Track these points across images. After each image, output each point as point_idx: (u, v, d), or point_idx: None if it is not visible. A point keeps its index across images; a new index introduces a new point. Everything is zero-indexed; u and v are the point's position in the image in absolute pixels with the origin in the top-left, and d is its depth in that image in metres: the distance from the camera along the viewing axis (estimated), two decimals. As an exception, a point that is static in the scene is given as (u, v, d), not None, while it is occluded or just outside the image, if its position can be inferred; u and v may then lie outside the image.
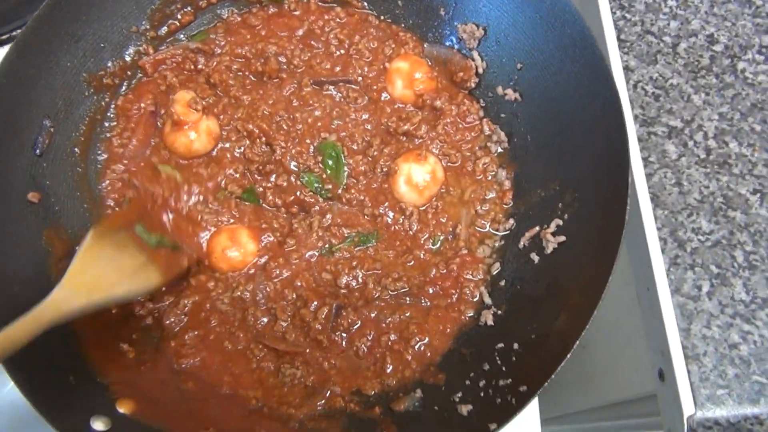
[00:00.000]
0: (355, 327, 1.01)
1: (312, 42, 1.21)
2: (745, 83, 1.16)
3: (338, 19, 1.23)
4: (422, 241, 1.08)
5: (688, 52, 1.18)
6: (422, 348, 1.00)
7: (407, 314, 1.03)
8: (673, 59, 1.18)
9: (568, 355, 0.82)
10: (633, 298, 1.11)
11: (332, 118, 1.15)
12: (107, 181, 1.13)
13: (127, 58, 1.17)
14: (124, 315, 1.03)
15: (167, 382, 0.98)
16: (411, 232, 1.08)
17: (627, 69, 1.17)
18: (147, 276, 0.98)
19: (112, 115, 1.16)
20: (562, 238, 0.99)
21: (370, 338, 1.00)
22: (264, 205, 1.09)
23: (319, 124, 1.15)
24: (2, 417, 1.04)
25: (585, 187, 0.99)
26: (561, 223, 1.01)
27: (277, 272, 1.04)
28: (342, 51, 1.21)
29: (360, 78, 1.18)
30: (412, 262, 1.07)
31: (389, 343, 1.01)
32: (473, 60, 1.17)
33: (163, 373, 0.99)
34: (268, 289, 1.04)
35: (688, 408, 0.97)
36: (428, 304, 1.04)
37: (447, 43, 1.20)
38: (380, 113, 1.16)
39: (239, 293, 1.04)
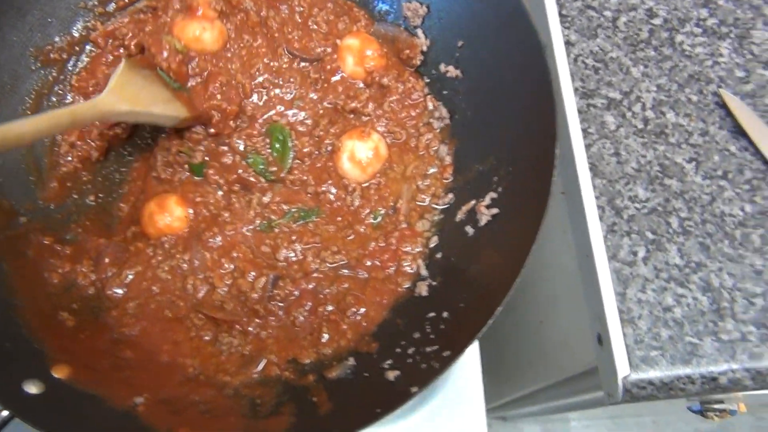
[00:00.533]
0: (293, 297, 1.02)
1: (278, 4, 1.20)
2: (682, 55, 1.17)
3: None
4: (363, 216, 1.09)
5: (628, 25, 1.20)
6: (358, 318, 1.01)
7: (345, 286, 1.03)
8: (613, 33, 1.19)
9: (489, 322, 0.82)
10: (576, 267, 1.12)
11: (293, 98, 1.16)
12: (61, 157, 1.13)
13: (75, 34, 1.17)
14: (65, 285, 1.03)
15: (105, 350, 0.98)
16: (353, 208, 1.09)
17: (568, 43, 1.19)
18: (176, 107, 1.07)
19: (60, 91, 1.15)
20: (495, 211, 1.00)
21: (307, 309, 1.01)
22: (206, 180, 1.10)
23: (277, 103, 1.15)
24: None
25: (518, 160, 0.99)
26: (495, 196, 1.01)
27: (212, 242, 1.04)
28: (301, 20, 1.20)
29: (319, 55, 1.18)
30: (352, 237, 1.08)
31: (326, 313, 1.01)
32: (418, 38, 1.17)
33: (101, 341, 0.99)
34: (206, 257, 1.04)
35: (623, 370, 0.99)
36: (366, 276, 1.04)
37: (392, 21, 1.20)
38: (331, 92, 1.17)
39: (176, 262, 1.04)
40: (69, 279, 1.04)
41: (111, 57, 1.19)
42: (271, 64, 1.16)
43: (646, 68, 1.17)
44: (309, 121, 1.14)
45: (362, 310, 1.01)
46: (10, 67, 1.09)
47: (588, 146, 1.11)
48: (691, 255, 1.04)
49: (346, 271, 1.05)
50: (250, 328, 1.00)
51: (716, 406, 1.28)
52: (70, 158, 1.13)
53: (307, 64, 1.17)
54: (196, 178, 1.11)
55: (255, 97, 1.15)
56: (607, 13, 1.21)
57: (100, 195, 1.14)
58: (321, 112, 1.16)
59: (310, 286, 1.02)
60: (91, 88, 1.17)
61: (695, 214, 1.07)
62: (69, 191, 1.12)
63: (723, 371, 0.99)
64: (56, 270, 1.04)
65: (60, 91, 1.16)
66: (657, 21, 1.20)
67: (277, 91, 1.15)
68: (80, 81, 1.17)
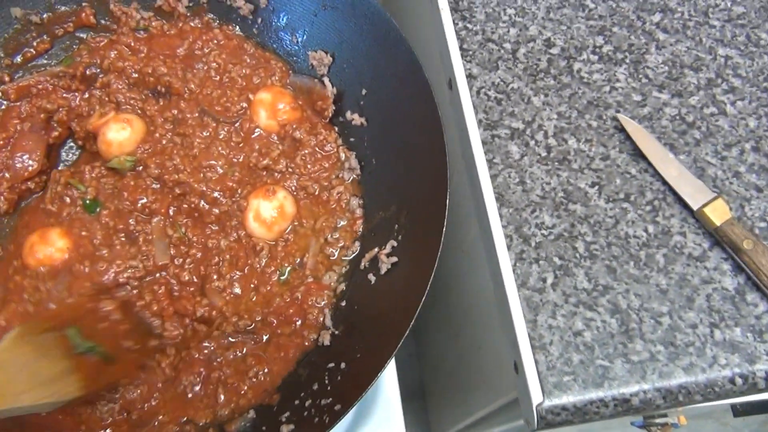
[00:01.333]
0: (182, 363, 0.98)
1: (194, 63, 1.18)
2: (581, 82, 1.19)
3: (217, 41, 1.21)
4: (268, 275, 1.06)
5: (527, 56, 1.21)
6: (261, 377, 0.97)
7: (244, 351, 1.00)
8: (513, 64, 1.21)
9: (380, 374, 0.81)
10: (492, 297, 1.11)
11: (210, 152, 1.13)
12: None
13: (-24, 83, 1.14)
14: None
15: None
16: (258, 269, 1.06)
17: (470, 76, 1.19)
18: (65, 385, 0.85)
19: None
20: (395, 259, 0.99)
21: (200, 377, 0.97)
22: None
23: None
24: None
25: (415, 208, 1.00)
26: (395, 244, 1.01)
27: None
28: (218, 77, 1.19)
29: (234, 114, 1.16)
30: (255, 297, 1.04)
31: (222, 377, 0.97)
32: (325, 86, 1.17)
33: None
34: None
35: (536, 397, 0.97)
36: (267, 336, 1.01)
37: (300, 69, 1.19)
38: (248, 149, 1.14)
39: (41, 295, 1.00)
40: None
41: (25, 109, 1.16)
42: (204, 133, 1.13)
43: (547, 97, 1.18)
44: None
45: (264, 369, 0.98)
46: None
47: (494, 176, 1.11)
48: (598, 278, 1.04)
49: (244, 336, 1.01)
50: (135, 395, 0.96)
51: (658, 421, 1.28)
52: None
53: (228, 125, 1.14)
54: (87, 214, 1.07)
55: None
56: (507, 45, 1.23)
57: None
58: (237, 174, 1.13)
59: (203, 354, 0.98)
60: (1, 141, 1.13)
61: (600, 237, 1.07)
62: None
63: (635, 392, 0.98)
64: None
65: (-40, 151, 1.12)
66: (555, 50, 1.22)
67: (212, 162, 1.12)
68: None
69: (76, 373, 0.85)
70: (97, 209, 1.07)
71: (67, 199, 1.07)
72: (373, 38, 1.06)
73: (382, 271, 0.98)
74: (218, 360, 0.98)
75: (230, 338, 1.00)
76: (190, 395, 0.97)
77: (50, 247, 1.04)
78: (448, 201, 0.88)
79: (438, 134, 0.92)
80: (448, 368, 1.79)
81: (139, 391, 0.96)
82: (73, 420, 0.95)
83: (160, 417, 0.96)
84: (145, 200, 1.06)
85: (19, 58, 1.17)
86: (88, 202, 1.07)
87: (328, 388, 0.89)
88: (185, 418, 0.95)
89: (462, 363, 1.68)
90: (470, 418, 1.70)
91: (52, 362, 0.84)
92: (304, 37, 1.16)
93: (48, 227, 1.07)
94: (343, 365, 0.91)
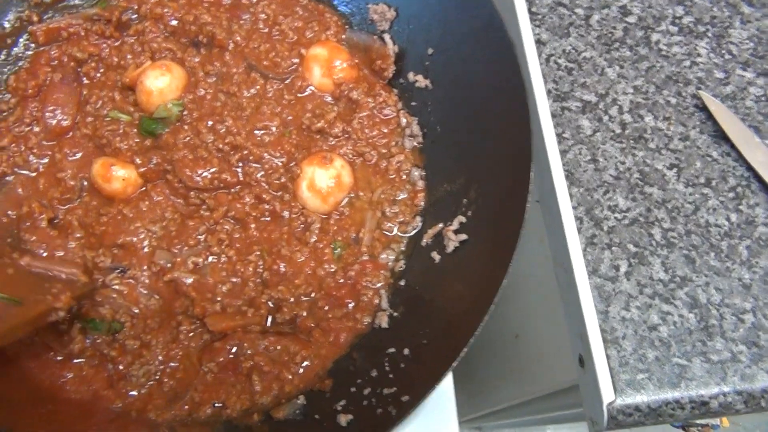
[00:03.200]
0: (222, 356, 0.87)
1: (240, 13, 1.05)
2: (659, 55, 1.06)
3: None
4: (321, 251, 0.94)
5: (601, 23, 1.08)
6: (307, 362, 0.86)
7: (278, 342, 0.88)
8: (586, 31, 1.08)
9: (453, 365, 0.71)
10: (554, 281, 0.99)
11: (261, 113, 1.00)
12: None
13: (7, 25, 1.02)
14: None
15: (24, 380, 0.82)
16: (309, 245, 0.93)
17: (539, 42, 1.07)
18: None
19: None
20: (464, 237, 0.87)
21: (218, 365, 0.86)
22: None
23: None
24: None
25: (488, 182, 0.87)
26: (464, 220, 0.89)
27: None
28: (267, 29, 1.05)
29: (284, 70, 1.03)
30: (301, 279, 0.92)
31: (256, 366, 0.86)
32: (385, 43, 1.03)
33: (17, 369, 0.83)
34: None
35: (607, 395, 0.86)
36: (314, 325, 0.89)
37: (357, 25, 1.06)
38: (300, 108, 1.01)
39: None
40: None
41: (55, 55, 1.03)
42: (251, 91, 1.00)
43: (622, 69, 1.05)
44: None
45: (309, 357, 0.86)
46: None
47: (563, 152, 0.99)
48: (675, 269, 0.93)
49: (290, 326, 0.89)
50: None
51: (698, 421, 1.17)
52: None
53: (278, 83, 1.01)
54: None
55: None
56: (579, 11, 1.09)
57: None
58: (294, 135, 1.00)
59: (230, 343, 0.86)
60: (30, 90, 1.01)
61: (679, 224, 0.95)
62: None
63: (714, 395, 0.87)
64: None
65: (-7, 93, 0.99)
66: (631, 19, 1.09)
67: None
68: (18, 81, 1.01)
69: None
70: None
71: None
72: (447, -9, 0.92)
73: (449, 249, 0.86)
74: (248, 350, 0.86)
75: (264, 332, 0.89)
76: (209, 379, 0.86)
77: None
78: (532, 175, 0.75)
79: (521, 101, 0.79)
80: (475, 353, 1.68)
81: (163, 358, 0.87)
82: (114, 392, 0.84)
83: (193, 393, 0.85)
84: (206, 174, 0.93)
85: (48, -5, 1.04)
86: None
87: (390, 375, 0.78)
88: (217, 401, 0.84)
89: (494, 349, 1.56)
90: (498, 405, 1.60)
91: None
92: (365, -13, 1.02)
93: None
94: (406, 351, 0.79)
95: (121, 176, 0.93)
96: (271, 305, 0.88)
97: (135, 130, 0.98)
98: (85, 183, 0.96)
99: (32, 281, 0.85)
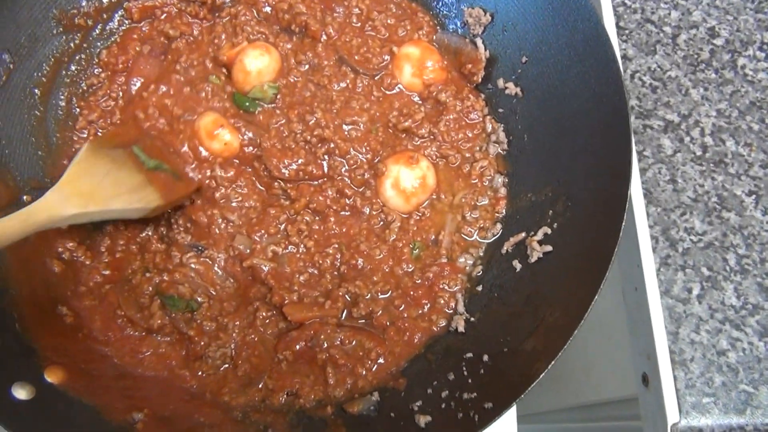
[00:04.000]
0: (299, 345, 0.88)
1: (334, 5, 1.05)
2: (744, 80, 1.05)
3: None
4: (400, 249, 0.94)
5: (688, 44, 1.07)
6: (381, 360, 0.87)
7: (353, 336, 0.89)
8: (673, 50, 1.06)
9: (541, 376, 0.70)
10: (618, 297, 0.99)
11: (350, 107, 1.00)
12: (75, 133, 0.99)
13: (104, 0, 1.02)
14: (68, 274, 0.88)
15: (104, 354, 0.84)
16: (388, 243, 0.93)
17: (625, 58, 1.06)
18: (146, 195, 0.87)
19: (83, 62, 1.01)
20: (549, 248, 0.86)
21: (294, 354, 0.87)
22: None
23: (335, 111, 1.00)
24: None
25: (580, 197, 0.86)
26: (549, 232, 0.88)
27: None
28: (359, 24, 1.05)
29: (375, 66, 1.03)
30: (378, 276, 0.93)
31: (331, 358, 0.87)
32: (477, 47, 1.02)
33: (101, 344, 0.84)
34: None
35: (672, 415, 0.86)
36: (389, 323, 0.90)
37: (450, 27, 1.05)
38: (387, 106, 1.01)
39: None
40: (73, 267, 0.89)
41: (146, 31, 1.05)
42: (341, 84, 1.00)
43: (706, 91, 1.04)
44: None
45: (383, 355, 0.87)
46: (29, 28, 0.94)
47: (643, 170, 0.98)
48: (748, 296, 0.92)
49: (362, 321, 0.90)
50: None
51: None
52: (85, 135, 0.97)
53: (368, 78, 1.01)
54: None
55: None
56: (667, 29, 1.08)
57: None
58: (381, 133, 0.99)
59: (306, 334, 0.87)
60: (120, 65, 1.02)
61: (754, 251, 0.94)
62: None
63: (778, 424, 0.86)
64: (59, 257, 0.89)
65: (82, 61, 1.00)
66: (719, 41, 1.08)
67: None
68: (110, 56, 1.03)
69: (152, 184, 0.88)
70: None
71: None
72: (548, 0, 0.91)
73: (532, 260, 0.85)
74: (324, 343, 0.87)
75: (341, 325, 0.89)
76: (284, 367, 0.87)
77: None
78: (629, 196, 0.75)
79: (623, 118, 0.79)
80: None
81: (238, 342, 0.88)
82: (186, 373, 0.85)
83: (266, 379, 0.86)
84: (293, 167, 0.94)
85: (147, -26, 1.04)
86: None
87: (469, 380, 0.78)
88: (291, 390, 0.85)
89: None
90: (528, 411, 1.60)
91: (130, 173, 0.87)
92: (462, -10, 1.01)
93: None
94: (485, 358, 0.79)
95: (224, 139, 0.94)
96: (348, 299, 0.89)
97: (226, 96, 0.98)
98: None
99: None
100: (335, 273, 0.91)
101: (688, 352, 0.89)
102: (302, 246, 0.92)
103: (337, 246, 0.92)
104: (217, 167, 0.94)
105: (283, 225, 0.93)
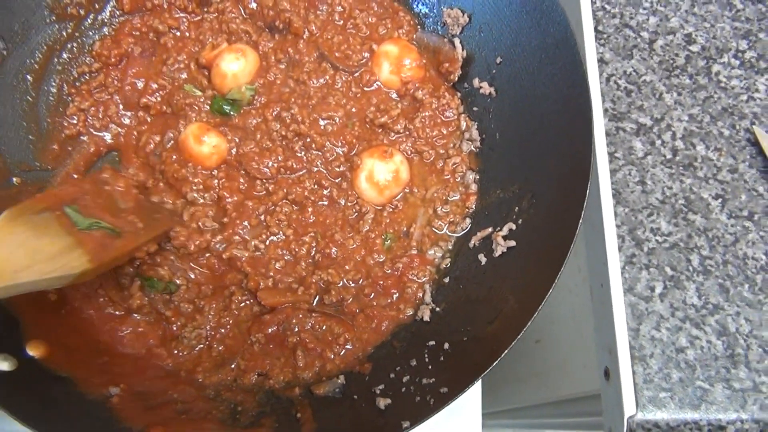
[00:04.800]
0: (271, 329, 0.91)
1: (317, 3, 1.08)
2: (718, 86, 1.07)
3: None
4: (372, 240, 0.97)
5: (665, 49, 1.09)
6: (349, 345, 0.90)
7: (324, 321, 0.92)
8: (649, 55, 1.09)
9: (494, 364, 0.74)
10: (587, 294, 1.02)
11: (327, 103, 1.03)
12: (65, 119, 1.02)
13: (97, -11, 1.06)
14: None
15: (85, 331, 0.87)
16: (362, 233, 0.97)
17: (601, 61, 1.08)
18: (69, 261, 0.82)
19: (74, 50, 1.04)
20: (512, 243, 0.90)
21: (266, 337, 0.90)
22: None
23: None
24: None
25: (543, 194, 0.90)
26: (514, 227, 0.91)
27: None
28: (341, 21, 1.08)
29: (355, 63, 1.06)
30: (351, 265, 0.96)
31: (301, 341, 0.90)
32: (455, 47, 1.05)
33: (82, 320, 0.88)
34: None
35: (629, 408, 0.89)
36: (358, 310, 0.93)
37: (430, 26, 1.08)
38: (365, 101, 1.05)
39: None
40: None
41: (138, 24, 1.08)
42: (320, 80, 1.03)
43: (680, 96, 1.06)
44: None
45: (351, 341, 0.90)
46: (23, 15, 0.97)
47: (613, 171, 1.01)
48: (709, 296, 0.94)
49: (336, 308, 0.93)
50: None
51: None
52: (75, 121, 1.01)
53: (347, 75, 1.04)
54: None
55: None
56: (644, 34, 1.10)
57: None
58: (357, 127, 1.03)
59: (278, 318, 0.90)
60: (113, 59, 1.06)
61: (717, 253, 0.97)
62: (69, 155, 1.00)
63: (731, 420, 0.89)
64: None
65: (74, 50, 1.04)
66: (695, 48, 1.10)
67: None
68: (103, 48, 1.06)
69: (81, 247, 0.83)
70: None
71: None
72: (522, 3, 0.94)
73: (496, 254, 0.88)
74: (295, 327, 0.90)
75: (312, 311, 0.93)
76: (256, 349, 0.90)
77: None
78: (587, 197, 0.78)
79: (585, 121, 0.81)
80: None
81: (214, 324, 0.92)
82: (162, 351, 0.89)
83: (239, 360, 0.90)
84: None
85: (136, -36, 1.07)
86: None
87: (430, 367, 0.81)
88: (261, 371, 0.89)
89: (513, 352, 1.59)
90: (512, 404, 1.63)
91: (53, 239, 0.81)
92: (442, -10, 1.04)
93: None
94: (446, 346, 0.82)
95: (212, 143, 0.97)
96: (321, 286, 0.92)
97: (207, 107, 1.01)
98: (170, 144, 1.00)
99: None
100: (310, 261, 0.94)
101: (647, 348, 0.92)
102: (281, 234, 0.95)
103: (313, 234, 0.95)
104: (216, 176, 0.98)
105: (263, 216, 0.96)
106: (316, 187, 0.97)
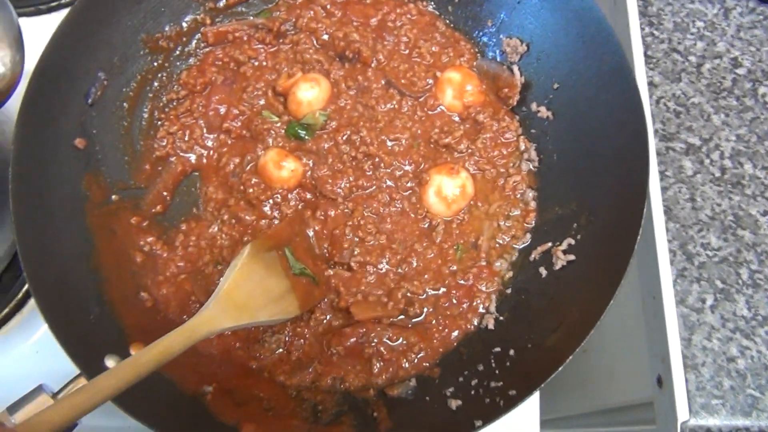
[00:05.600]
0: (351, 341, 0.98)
1: (385, 34, 1.16)
2: (764, 107, 1.12)
3: (410, 16, 1.19)
4: (446, 251, 1.04)
5: (712, 72, 1.14)
6: (421, 353, 0.97)
7: (399, 334, 0.98)
8: (697, 78, 1.14)
9: (560, 369, 0.80)
10: (638, 305, 1.07)
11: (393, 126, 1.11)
12: (156, 142, 1.11)
13: (184, 25, 1.15)
14: (148, 264, 1.01)
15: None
16: (437, 243, 1.04)
17: (651, 84, 1.13)
18: (288, 304, 0.90)
19: (164, 79, 1.14)
20: (572, 257, 0.96)
21: (345, 349, 0.97)
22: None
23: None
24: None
25: (601, 212, 0.95)
26: (573, 242, 0.97)
27: None
28: (407, 51, 1.16)
29: (420, 89, 1.13)
30: (429, 275, 1.02)
31: (377, 351, 0.96)
32: (513, 74, 1.11)
33: (175, 324, 0.96)
34: None
35: (682, 414, 0.94)
36: (434, 321, 0.99)
37: (489, 54, 1.15)
38: (429, 124, 1.11)
39: None
40: (152, 259, 1.02)
41: (220, 55, 1.17)
42: (387, 105, 1.11)
43: (727, 117, 1.11)
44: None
45: (424, 349, 0.96)
46: (121, 49, 1.07)
47: (664, 189, 1.06)
48: (759, 308, 0.99)
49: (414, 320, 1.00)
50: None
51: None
52: (164, 143, 1.10)
53: (413, 100, 1.12)
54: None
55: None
56: (692, 59, 1.15)
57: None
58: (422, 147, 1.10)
59: (357, 332, 0.97)
60: (198, 87, 1.15)
61: (766, 267, 1.01)
62: (159, 174, 1.10)
63: (782, 427, 0.93)
64: (141, 249, 1.02)
65: (164, 79, 1.14)
66: (741, 71, 1.15)
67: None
68: (189, 77, 1.15)
69: (294, 292, 0.90)
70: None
71: None
72: (579, 34, 1.00)
73: (556, 267, 0.95)
74: (373, 340, 0.96)
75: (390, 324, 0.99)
76: (335, 359, 0.97)
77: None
78: (643, 218, 0.84)
79: (641, 146, 0.87)
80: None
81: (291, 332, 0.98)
82: (246, 354, 0.97)
83: (316, 365, 0.97)
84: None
85: (221, 3, 1.17)
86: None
87: (496, 371, 0.88)
88: (336, 376, 0.96)
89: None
90: (558, 413, 1.67)
91: (278, 280, 0.88)
92: (501, 22, 1.11)
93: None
94: (511, 352, 0.89)
95: (290, 168, 1.05)
96: (408, 297, 0.99)
97: (282, 131, 1.10)
98: (249, 166, 1.09)
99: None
100: (398, 271, 1.01)
101: (699, 357, 0.97)
102: (374, 241, 1.01)
103: (398, 243, 1.03)
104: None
105: (350, 235, 1.03)
106: (388, 199, 1.04)
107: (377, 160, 1.04)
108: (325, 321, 0.99)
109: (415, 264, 1.01)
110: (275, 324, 0.91)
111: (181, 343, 0.76)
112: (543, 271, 0.96)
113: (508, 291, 1.00)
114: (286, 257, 0.92)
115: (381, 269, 1.01)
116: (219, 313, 0.81)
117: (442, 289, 1.01)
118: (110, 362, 0.87)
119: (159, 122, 1.13)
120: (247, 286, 0.84)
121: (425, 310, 0.99)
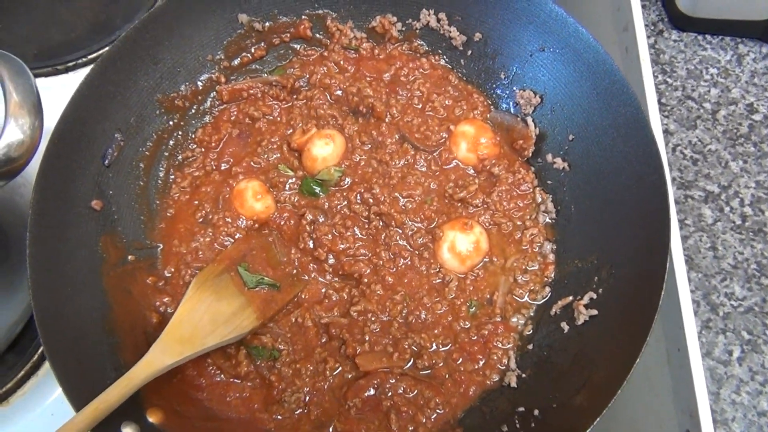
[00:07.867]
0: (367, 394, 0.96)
1: (398, 89, 1.17)
2: (783, 154, 1.11)
3: (422, 70, 1.20)
4: (458, 307, 1.03)
5: (728, 119, 1.14)
6: (439, 409, 0.95)
7: (415, 386, 0.97)
8: (713, 125, 1.14)
9: (588, 431, 0.76)
10: (663, 358, 1.05)
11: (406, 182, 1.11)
12: (170, 198, 1.13)
13: (200, 84, 1.17)
14: (163, 325, 1.00)
15: (195, 397, 0.95)
16: (448, 299, 1.03)
17: (666, 132, 1.14)
18: (242, 320, 0.94)
19: (180, 137, 1.16)
20: (594, 312, 0.94)
21: (362, 401, 0.95)
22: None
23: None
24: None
25: (623, 265, 0.93)
26: (594, 296, 0.95)
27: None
28: (420, 105, 1.17)
29: (434, 143, 1.14)
30: (439, 330, 1.01)
31: (395, 405, 0.95)
32: (528, 125, 1.12)
33: (191, 388, 0.95)
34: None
35: (714, 473, 0.90)
36: (447, 375, 0.98)
37: (503, 106, 1.16)
38: (444, 178, 1.12)
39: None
40: (168, 319, 1.01)
41: (235, 112, 1.19)
42: (401, 161, 1.11)
43: (746, 163, 1.11)
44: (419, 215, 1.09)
45: (441, 406, 0.95)
46: (138, 109, 1.09)
47: (684, 238, 1.05)
48: (788, 360, 0.96)
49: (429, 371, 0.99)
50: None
51: None
52: (177, 196, 1.12)
53: (427, 154, 1.12)
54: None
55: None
56: (707, 105, 1.16)
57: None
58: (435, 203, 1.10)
59: (373, 383, 0.96)
60: (213, 144, 1.16)
61: (794, 317, 0.99)
62: (175, 232, 1.10)
63: (818, 485, 0.90)
64: (157, 310, 1.02)
65: (179, 137, 1.15)
66: (757, 117, 1.14)
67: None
68: (204, 134, 1.17)
69: (251, 305, 0.93)
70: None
71: None
72: (593, 86, 1.00)
73: (578, 322, 0.93)
74: (388, 391, 0.96)
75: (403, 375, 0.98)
76: (353, 414, 0.96)
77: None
78: (667, 271, 0.82)
79: (661, 197, 0.86)
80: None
81: (309, 388, 0.98)
82: (268, 415, 0.95)
83: (335, 423, 0.96)
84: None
85: (236, 62, 1.19)
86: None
87: (521, 432, 0.86)
88: None
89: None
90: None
91: (230, 301, 0.92)
92: (514, 75, 1.12)
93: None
94: (536, 412, 0.87)
95: (266, 203, 1.08)
96: (414, 350, 0.98)
97: (296, 187, 1.11)
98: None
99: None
100: (402, 321, 1.00)
101: (729, 412, 0.94)
102: (371, 289, 1.01)
103: (402, 294, 1.02)
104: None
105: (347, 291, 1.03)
106: (392, 257, 1.04)
107: (388, 219, 1.05)
108: (337, 372, 0.98)
109: (424, 317, 1.00)
110: (229, 343, 0.93)
111: (119, 394, 0.79)
112: (565, 326, 0.95)
113: (530, 347, 0.98)
114: (240, 275, 0.96)
115: (383, 318, 1.00)
116: (159, 354, 0.85)
117: (452, 345, 0.99)
118: (128, 430, 0.86)
119: (172, 179, 1.14)
120: (193, 318, 0.88)
121: (434, 362, 0.97)
